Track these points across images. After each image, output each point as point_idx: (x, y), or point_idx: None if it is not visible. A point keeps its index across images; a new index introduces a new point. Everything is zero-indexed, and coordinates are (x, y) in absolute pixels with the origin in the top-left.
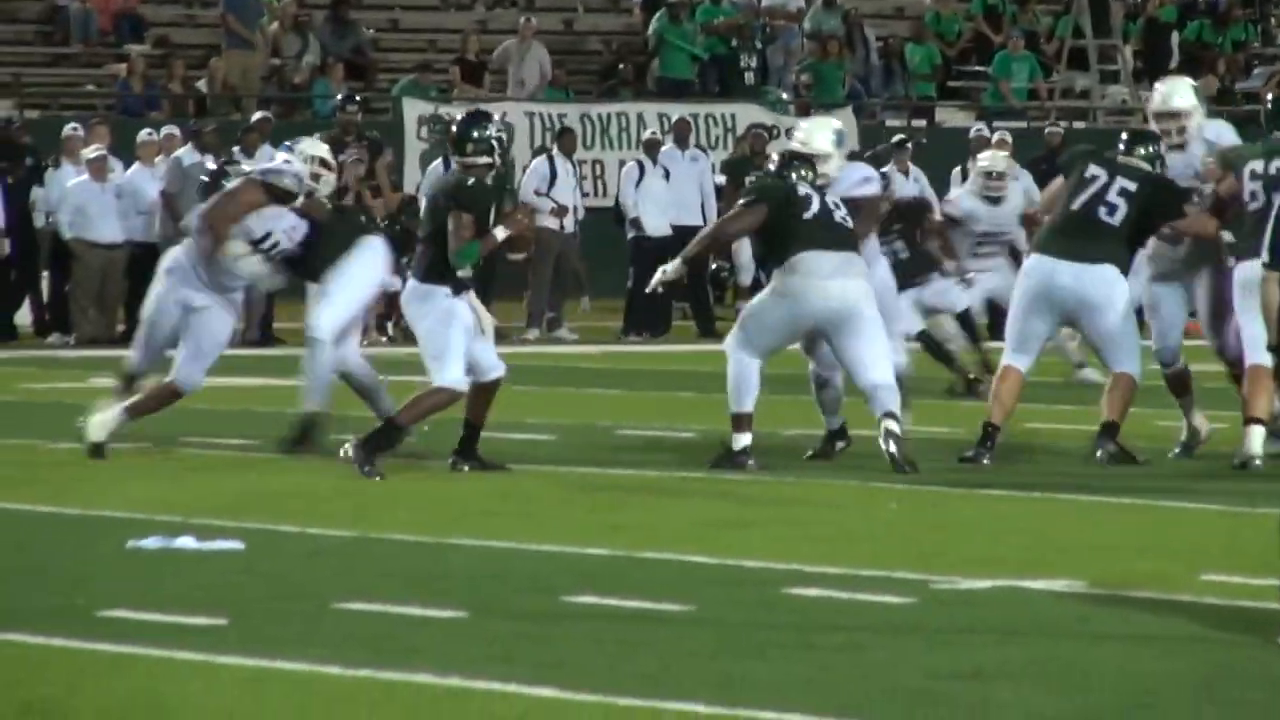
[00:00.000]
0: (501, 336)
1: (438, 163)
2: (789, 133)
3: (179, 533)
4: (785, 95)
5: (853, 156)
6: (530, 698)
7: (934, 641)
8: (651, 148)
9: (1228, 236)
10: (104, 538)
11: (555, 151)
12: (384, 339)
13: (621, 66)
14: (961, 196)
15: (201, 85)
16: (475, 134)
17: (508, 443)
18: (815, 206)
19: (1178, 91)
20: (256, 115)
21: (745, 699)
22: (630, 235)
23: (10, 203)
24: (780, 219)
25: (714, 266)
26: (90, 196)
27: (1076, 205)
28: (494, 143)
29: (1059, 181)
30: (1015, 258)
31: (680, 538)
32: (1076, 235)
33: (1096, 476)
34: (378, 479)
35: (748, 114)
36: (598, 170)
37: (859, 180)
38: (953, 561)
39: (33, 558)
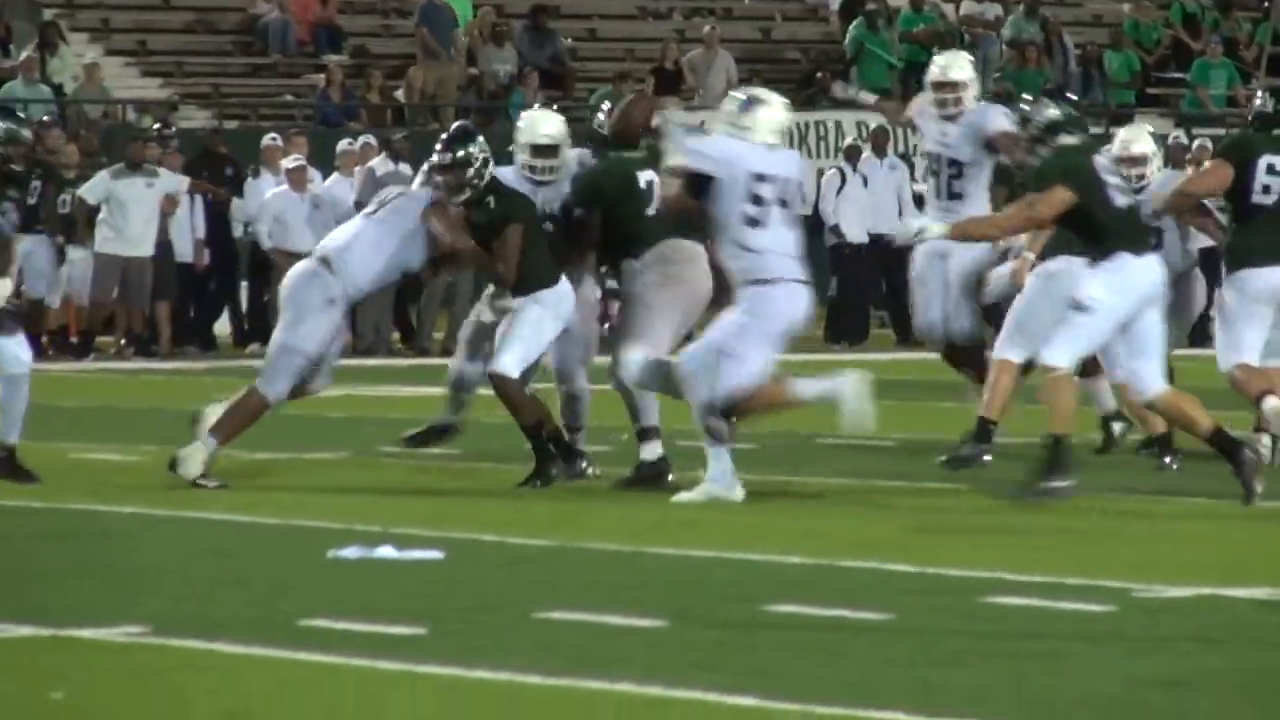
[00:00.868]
0: None
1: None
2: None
3: (379, 542)
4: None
5: None
6: (731, 706)
7: (1135, 649)
8: (852, 155)
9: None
10: (305, 547)
11: None
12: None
13: (819, 75)
14: None
15: (399, 95)
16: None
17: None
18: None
19: (955, 64)
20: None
21: (945, 707)
22: (830, 243)
23: (210, 213)
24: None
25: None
26: (289, 206)
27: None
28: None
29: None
30: None
31: (881, 545)
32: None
33: None
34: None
35: None
36: None
37: None
38: (1155, 569)
39: (235, 567)
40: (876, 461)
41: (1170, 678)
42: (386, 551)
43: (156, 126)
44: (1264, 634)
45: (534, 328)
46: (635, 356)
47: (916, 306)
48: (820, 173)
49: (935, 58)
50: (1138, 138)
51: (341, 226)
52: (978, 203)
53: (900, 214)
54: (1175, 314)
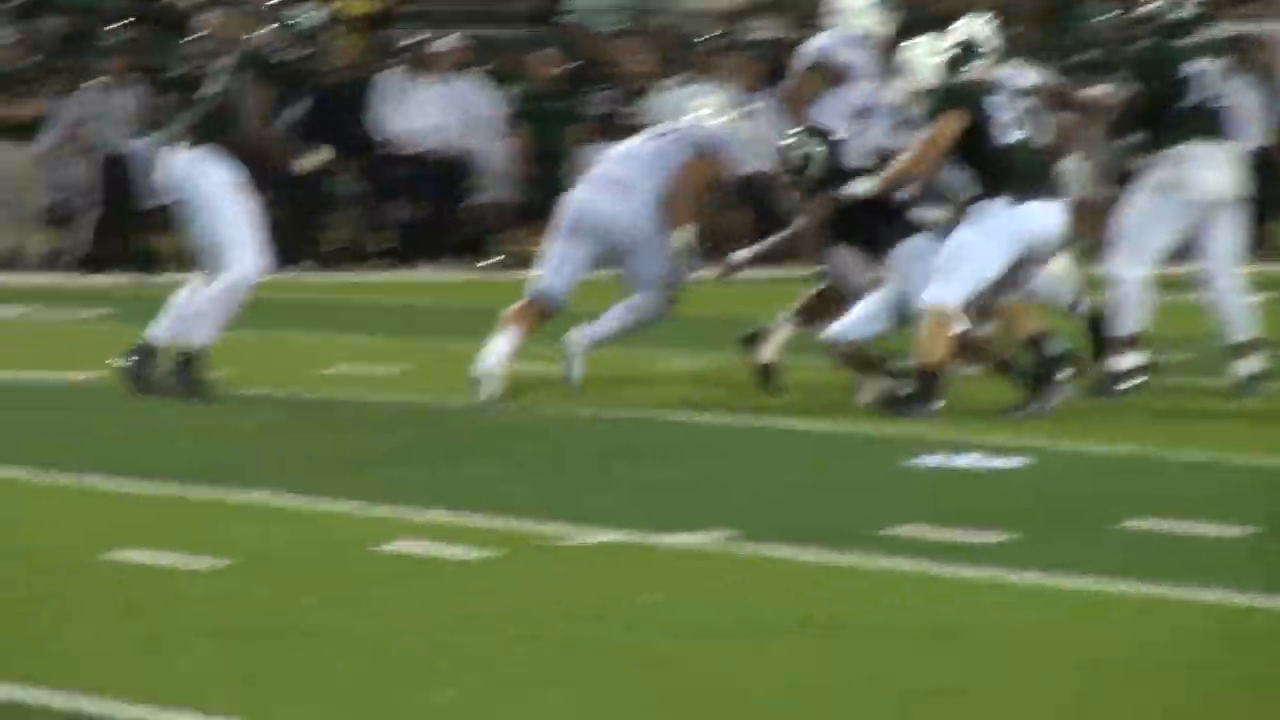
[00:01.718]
0: None
1: None
2: None
3: (961, 450)
4: None
5: None
6: None
7: None
8: None
9: None
10: (887, 455)
11: None
12: None
13: None
14: None
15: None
16: None
17: None
18: None
19: None
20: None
21: None
22: None
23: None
24: None
25: None
26: None
27: None
28: None
29: None
30: None
31: None
32: None
33: None
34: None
35: None
36: None
37: None
38: None
39: (819, 475)
40: None
41: None
42: (969, 459)
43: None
44: None
45: None
46: None
47: None
48: None
49: None
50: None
51: None
52: None
53: None
54: None
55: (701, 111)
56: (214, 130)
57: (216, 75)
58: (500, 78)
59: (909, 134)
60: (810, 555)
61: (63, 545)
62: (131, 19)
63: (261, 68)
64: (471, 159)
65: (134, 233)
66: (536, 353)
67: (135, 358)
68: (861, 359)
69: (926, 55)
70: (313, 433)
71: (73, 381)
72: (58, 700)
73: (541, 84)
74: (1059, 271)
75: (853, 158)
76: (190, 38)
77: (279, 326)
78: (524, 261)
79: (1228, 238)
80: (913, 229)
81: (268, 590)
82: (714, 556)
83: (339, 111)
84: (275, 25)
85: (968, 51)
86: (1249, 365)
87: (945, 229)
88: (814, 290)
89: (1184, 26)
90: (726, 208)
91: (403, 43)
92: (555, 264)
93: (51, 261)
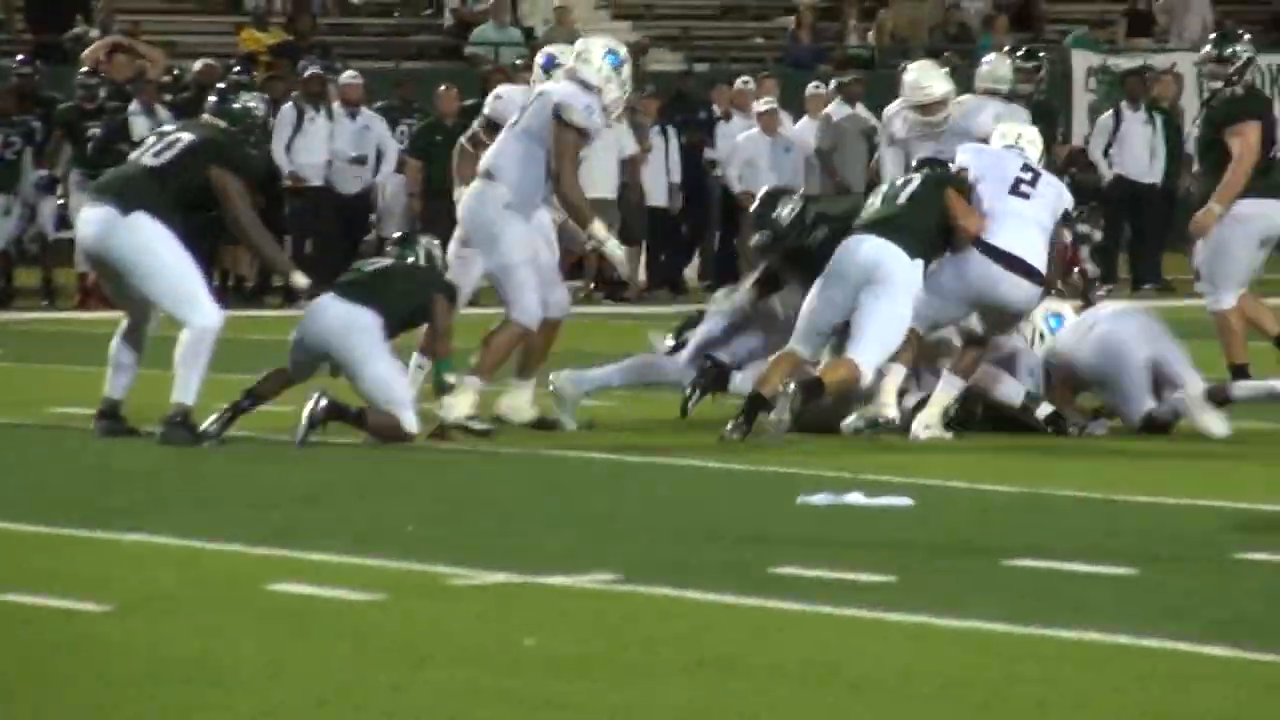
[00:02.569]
0: None
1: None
2: None
3: (848, 489)
4: None
5: None
6: (1203, 656)
7: None
8: None
9: None
10: (775, 494)
11: (1122, 103)
12: None
13: None
14: None
15: (870, 37)
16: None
17: None
18: None
19: None
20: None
21: None
22: None
23: (684, 158)
24: None
25: None
26: (760, 150)
27: None
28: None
29: None
30: None
31: None
32: None
33: None
34: None
35: None
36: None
37: None
38: None
39: (705, 514)
40: None
41: None
42: (855, 498)
43: None
44: None
45: None
46: None
47: None
48: None
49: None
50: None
51: None
52: None
53: None
54: None
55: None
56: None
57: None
58: (404, 111)
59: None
60: (697, 594)
61: None
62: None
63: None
64: (372, 193)
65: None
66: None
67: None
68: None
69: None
70: (204, 472)
71: None
72: None
73: (448, 118)
74: None
75: None
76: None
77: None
78: None
79: None
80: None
81: (154, 631)
82: (601, 596)
83: None
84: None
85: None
86: None
87: None
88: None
89: None
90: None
91: (308, 73)
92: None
93: None
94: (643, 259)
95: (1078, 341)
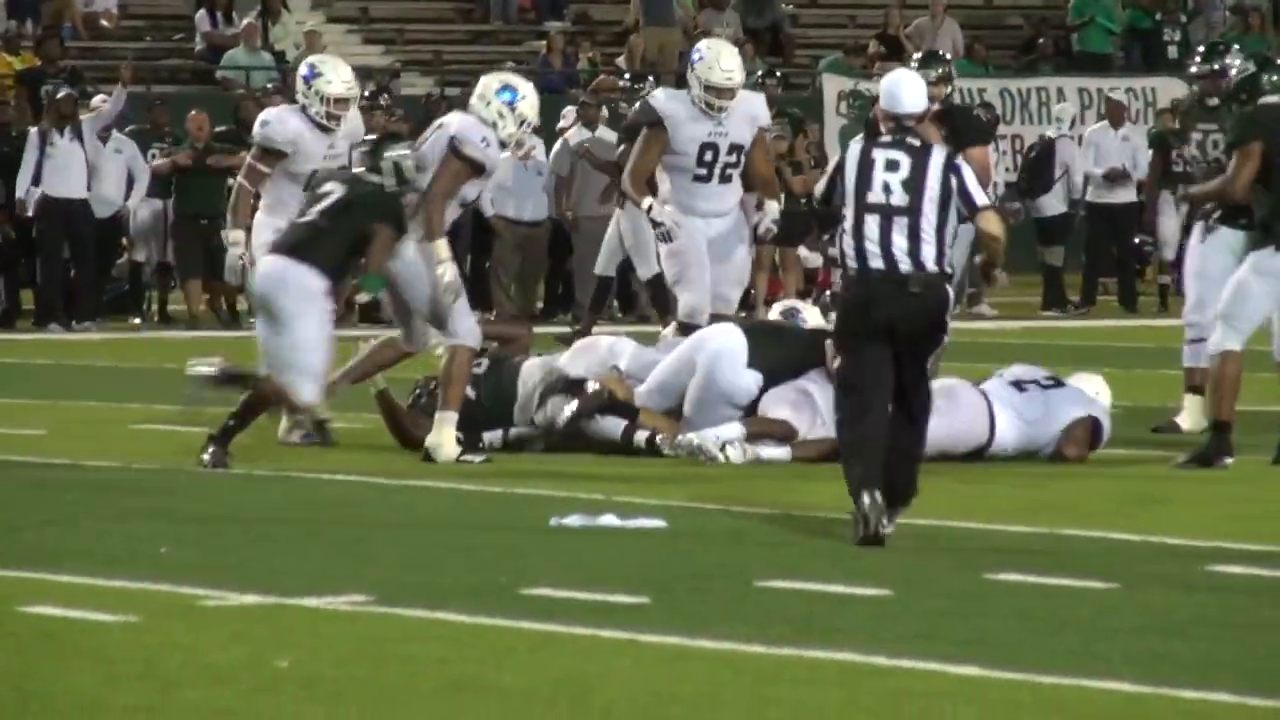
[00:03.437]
0: None
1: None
2: None
3: (601, 510)
4: None
5: None
6: (954, 675)
7: None
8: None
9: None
10: (528, 515)
11: None
12: None
13: (1041, 40)
14: None
15: (620, 62)
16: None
17: None
18: None
19: None
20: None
21: (1170, 677)
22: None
23: None
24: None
25: (1137, 240)
26: (511, 174)
27: None
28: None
29: None
30: None
31: (1103, 514)
32: None
33: None
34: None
35: (1169, 88)
36: (1017, 145)
37: None
38: None
39: (458, 535)
40: None
41: None
42: (609, 520)
43: (370, 93)
44: None
45: None
46: None
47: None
48: (1041, 138)
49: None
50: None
51: None
52: None
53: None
54: None
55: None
56: None
57: None
58: (155, 135)
59: None
60: (450, 615)
61: None
62: None
63: None
64: (123, 217)
65: None
66: (179, 411)
67: None
68: None
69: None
70: None
71: None
72: None
73: (198, 141)
74: None
75: None
76: None
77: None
78: (174, 320)
79: None
80: None
81: None
82: (355, 617)
83: None
84: None
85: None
86: None
87: None
88: None
89: None
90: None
91: (60, 94)
92: None
93: None
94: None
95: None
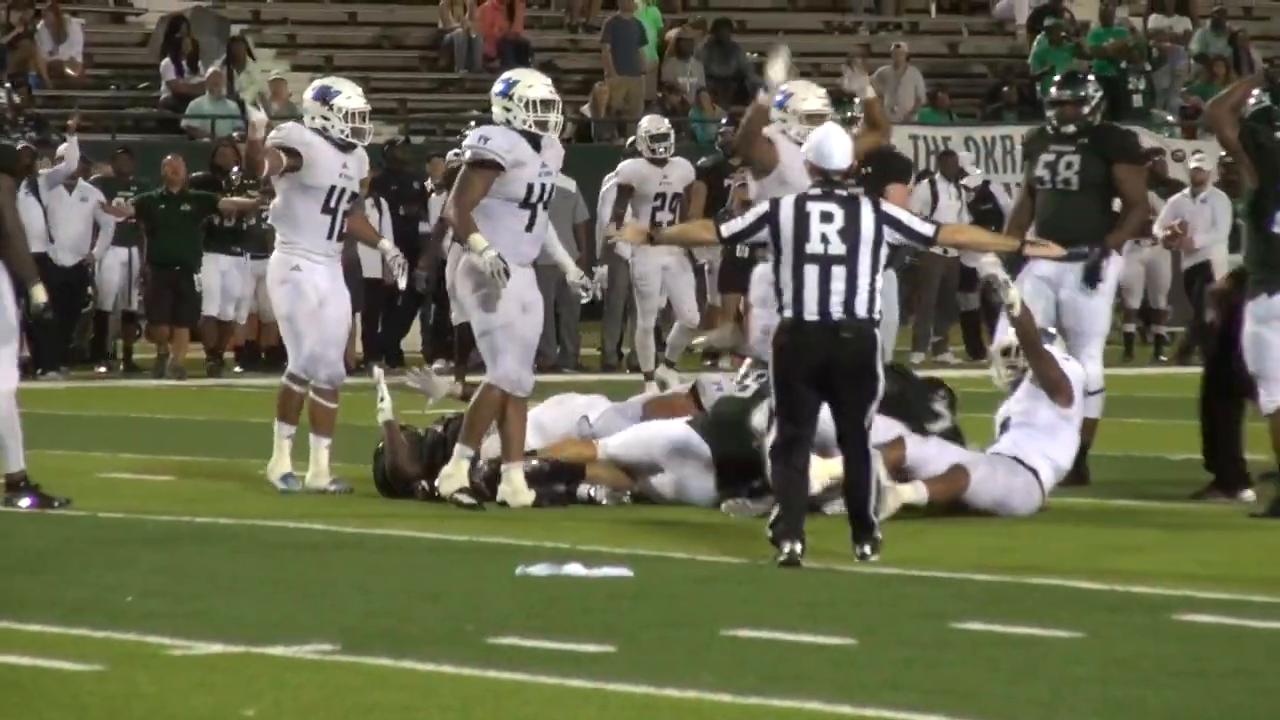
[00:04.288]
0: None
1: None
2: (1175, 155)
3: (567, 559)
4: (1171, 118)
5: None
6: None
7: None
8: None
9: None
10: (493, 564)
11: (937, 175)
12: None
13: (1005, 89)
14: None
15: (585, 110)
16: None
17: None
18: None
19: None
20: None
21: None
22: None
23: (398, 228)
24: None
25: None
26: None
27: None
28: None
29: None
30: None
31: (1069, 563)
32: None
33: None
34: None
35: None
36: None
37: None
38: None
39: (424, 583)
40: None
41: None
42: (575, 568)
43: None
44: None
45: None
46: None
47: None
48: (1007, 188)
49: None
50: None
51: None
52: None
53: None
54: None
55: None
56: None
57: None
58: (120, 184)
59: None
60: (416, 664)
61: None
62: None
63: None
64: (89, 266)
65: None
66: (160, 461)
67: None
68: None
69: None
70: None
71: None
72: None
73: (174, 186)
74: None
75: None
76: None
77: None
78: (140, 369)
79: None
80: None
81: None
82: (320, 666)
83: None
84: None
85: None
86: None
87: None
88: None
89: None
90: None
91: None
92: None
93: None
94: (358, 330)
95: None
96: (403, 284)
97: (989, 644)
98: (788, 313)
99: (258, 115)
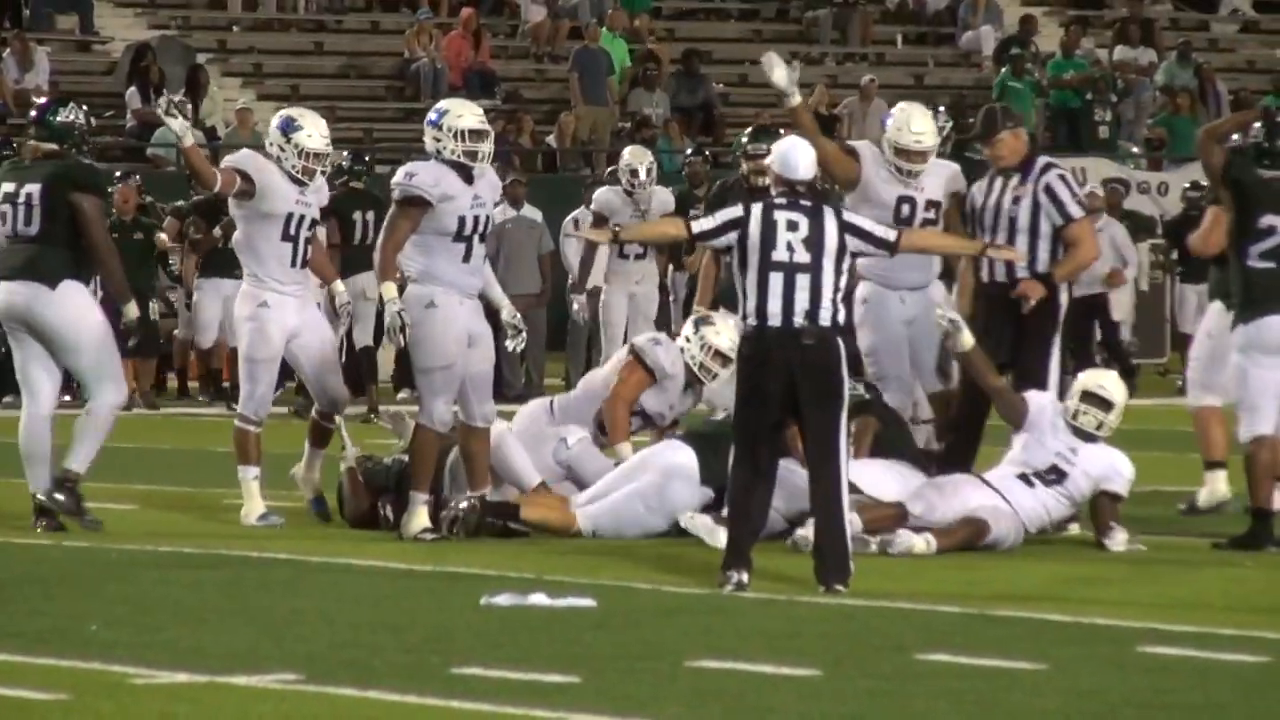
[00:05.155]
0: None
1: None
2: (1140, 187)
3: (532, 589)
4: (1136, 149)
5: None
6: None
7: None
8: None
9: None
10: (458, 594)
11: None
12: None
13: (971, 121)
14: None
15: (551, 140)
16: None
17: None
18: None
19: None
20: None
21: None
22: None
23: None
24: None
25: None
26: None
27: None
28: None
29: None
30: None
31: (1033, 595)
32: None
33: None
34: None
35: (1099, 168)
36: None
37: None
38: None
39: (389, 614)
40: None
41: None
42: (539, 599)
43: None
44: None
45: None
46: None
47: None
48: None
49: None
50: None
51: None
52: None
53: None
54: None
55: None
56: None
57: None
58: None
59: None
60: (380, 694)
61: None
62: None
63: None
64: None
65: None
66: (124, 490)
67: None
68: None
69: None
70: None
71: None
72: None
73: (126, 214)
74: None
75: None
76: None
77: None
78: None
79: None
80: None
81: None
82: (283, 696)
83: None
84: None
85: None
86: None
87: None
88: None
89: None
90: None
91: None
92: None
93: None
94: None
95: None
96: (341, 331)
97: (954, 676)
98: (751, 321)
99: (177, 123)
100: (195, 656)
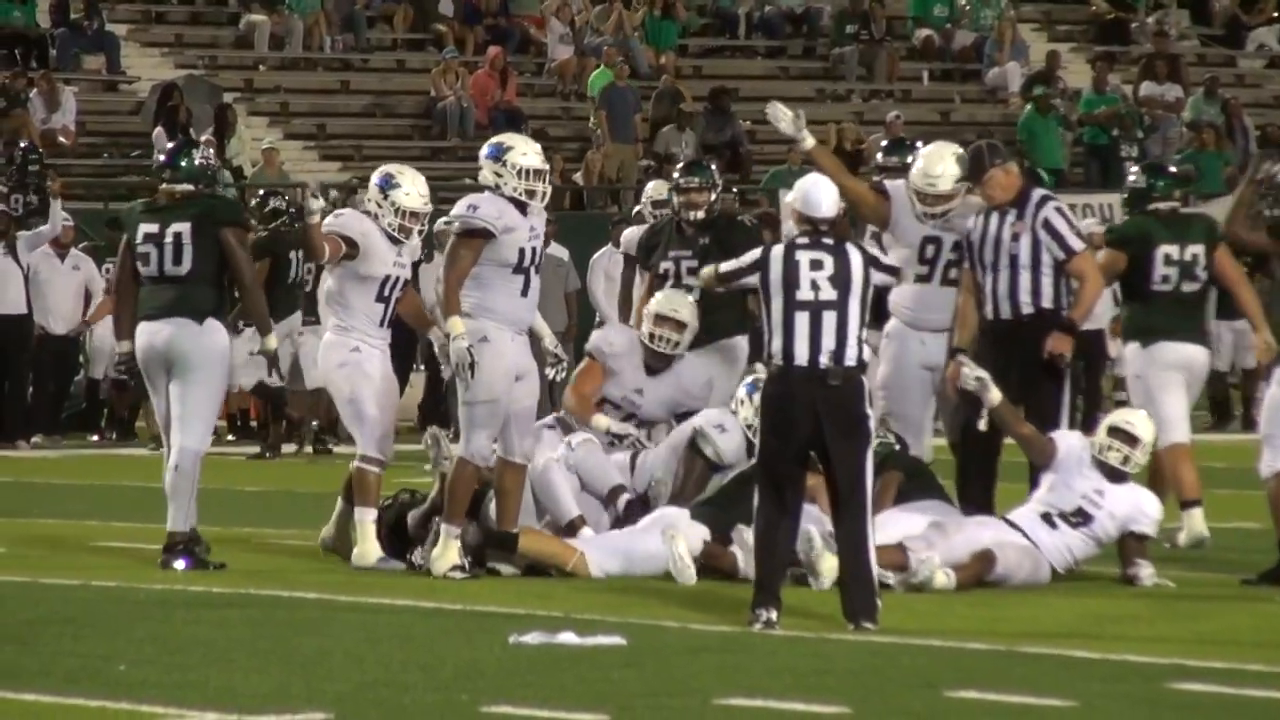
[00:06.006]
0: None
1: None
2: None
3: (560, 628)
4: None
5: None
6: None
7: None
8: None
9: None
10: (487, 633)
11: None
12: None
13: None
14: None
15: (578, 178)
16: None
17: None
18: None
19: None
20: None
21: None
22: None
23: None
24: None
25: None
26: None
27: None
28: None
29: None
30: None
31: (1062, 632)
32: None
33: None
34: None
35: None
36: None
37: None
38: None
39: (418, 652)
40: None
41: None
42: (568, 637)
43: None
44: None
45: None
46: None
47: None
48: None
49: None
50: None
51: None
52: None
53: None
54: None
55: None
56: None
57: None
58: (111, 251)
59: None
60: None
61: None
62: None
63: None
64: (81, 334)
65: None
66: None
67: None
68: None
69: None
70: None
71: None
72: None
73: None
74: None
75: None
76: None
77: None
78: (134, 437)
79: None
80: None
81: None
82: None
83: None
84: None
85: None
86: None
87: None
88: None
89: None
90: None
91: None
92: None
93: None
94: None
95: None
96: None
97: (983, 713)
98: (776, 361)
99: (316, 203)
100: (225, 696)
